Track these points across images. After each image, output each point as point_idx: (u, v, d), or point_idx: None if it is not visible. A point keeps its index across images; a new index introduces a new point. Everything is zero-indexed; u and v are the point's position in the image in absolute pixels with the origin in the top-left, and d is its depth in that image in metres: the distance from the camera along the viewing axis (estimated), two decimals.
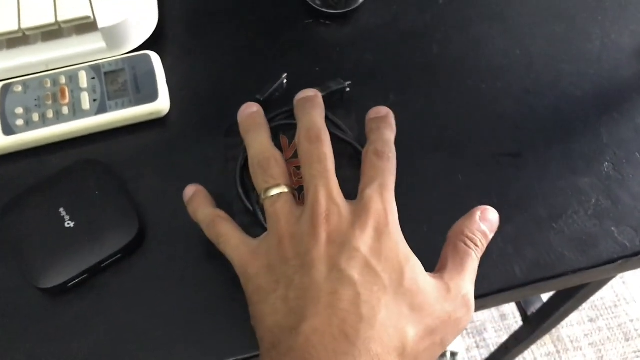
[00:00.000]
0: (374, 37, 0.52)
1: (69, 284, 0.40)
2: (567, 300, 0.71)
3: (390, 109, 0.48)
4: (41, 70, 0.47)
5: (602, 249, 0.42)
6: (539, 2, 0.54)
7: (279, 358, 0.32)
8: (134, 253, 0.42)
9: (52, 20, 0.45)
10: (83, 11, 0.45)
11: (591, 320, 1.27)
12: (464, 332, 1.25)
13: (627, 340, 1.26)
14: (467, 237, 0.37)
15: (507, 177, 0.45)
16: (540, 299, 0.88)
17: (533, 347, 1.23)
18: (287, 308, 0.33)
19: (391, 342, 0.32)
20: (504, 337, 1.22)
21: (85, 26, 0.47)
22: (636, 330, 1.27)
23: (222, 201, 0.41)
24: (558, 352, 1.24)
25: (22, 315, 0.40)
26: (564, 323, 1.26)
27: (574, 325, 1.26)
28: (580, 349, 1.24)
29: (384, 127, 0.41)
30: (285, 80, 0.46)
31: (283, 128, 0.43)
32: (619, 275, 1.33)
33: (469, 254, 0.36)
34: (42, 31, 0.46)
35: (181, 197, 0.44)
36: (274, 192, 0.38)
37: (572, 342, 1.25)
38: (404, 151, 0.46)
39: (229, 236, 0.38)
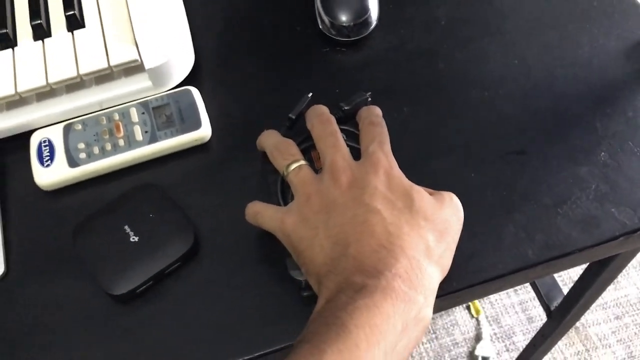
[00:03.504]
0: (385, 59, 0.58)
1: (138, 290, 0.45)
2: (586, 290, 0.75)
3: (406, 119, 0.54)
4: (96, 110, 0.54)
5: (604, 228, 0.47)
6: (531, 15, 0.60)
7: (336, 278, 0.39)
8: (192, 261, 0.47)
9: (105, 65, 0.52)
10: (131, 55, 0.52)
11: (617, 318, 1.30)
12: (494, 336, 1.28)
13: None
14: None
15: (515, 172, 0.50)
16: (561, 292, 0.92)
17: (562, 347, 1.26)
18: (332, 243, 0.41)
19: (418, 246, 0.40)
20: None
21: (133, 68, 0.53)
22: None
23: None
24: (587, 350, 1.26)
25: (97, 320, 0.46)
26: (590, 321, 1.29)
27: (600, 323, 1.29)
28: (609, 347, 1.27)
29: (373, 107, 0.50)
30: (309, 99, 0.52)
31: (313, 148, 0.49)
32: None
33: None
34: (96, 75, 0.53)
35: (226, 210, 0.50)
36: (295, 165, 0.46)
37: (600, 339, 1.27)
38: (421, 155, 0.52)
39: (263, 211, 0.46)
